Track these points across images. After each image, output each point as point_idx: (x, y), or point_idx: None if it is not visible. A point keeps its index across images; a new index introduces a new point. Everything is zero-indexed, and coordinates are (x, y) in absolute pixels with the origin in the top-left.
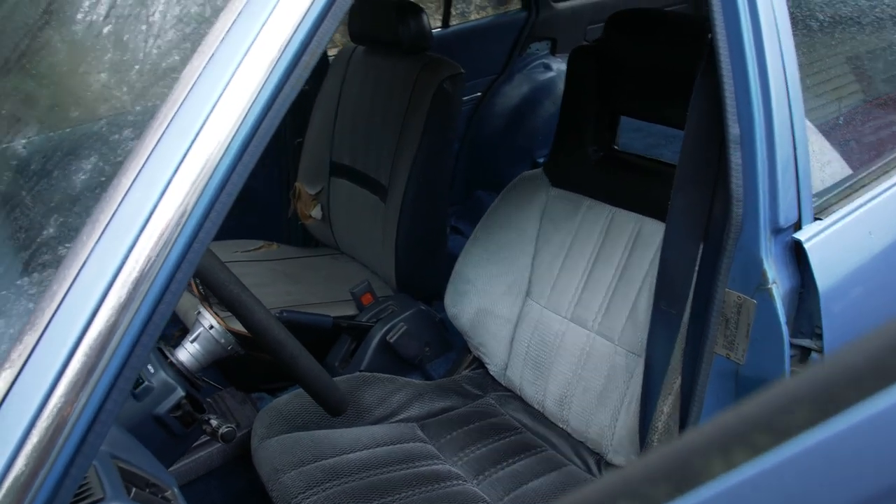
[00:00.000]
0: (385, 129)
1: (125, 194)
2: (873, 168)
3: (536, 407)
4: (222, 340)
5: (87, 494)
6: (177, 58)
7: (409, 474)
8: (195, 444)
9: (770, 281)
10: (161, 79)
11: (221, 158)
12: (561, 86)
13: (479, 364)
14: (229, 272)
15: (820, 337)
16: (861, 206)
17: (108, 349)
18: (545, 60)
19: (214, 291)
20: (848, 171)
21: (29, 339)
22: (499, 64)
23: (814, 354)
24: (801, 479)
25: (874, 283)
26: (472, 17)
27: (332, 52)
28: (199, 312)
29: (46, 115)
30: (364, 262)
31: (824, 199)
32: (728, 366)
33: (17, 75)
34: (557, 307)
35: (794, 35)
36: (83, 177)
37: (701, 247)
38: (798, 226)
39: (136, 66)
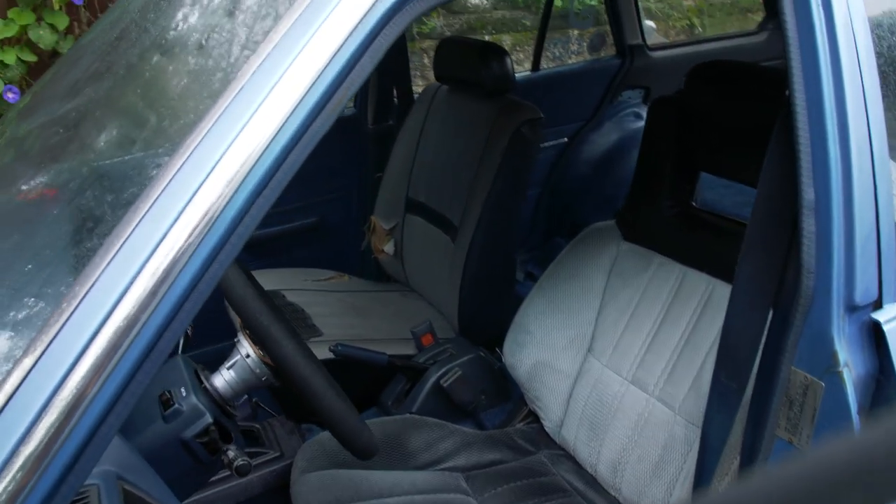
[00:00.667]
0: (461, 169)
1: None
2: None
3: (589, 470)
4: (257, 370)
5: None
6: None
7: None
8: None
9: (841, 364)
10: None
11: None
12: None
13: (535, 418)
14: (262, 303)
15: None
16: None
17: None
18: (637, 109)
19: (244, 321)
20: None
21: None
22: (588, 110)
23: None
24: None
25: None
26: (570, 62)
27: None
28: (237, 340)
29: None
30: (432, 301)
31: None
32: (791, 452)
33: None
34: (618, 367)
35: (884, 95)
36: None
37: (769, 318)
38: (878, 304)
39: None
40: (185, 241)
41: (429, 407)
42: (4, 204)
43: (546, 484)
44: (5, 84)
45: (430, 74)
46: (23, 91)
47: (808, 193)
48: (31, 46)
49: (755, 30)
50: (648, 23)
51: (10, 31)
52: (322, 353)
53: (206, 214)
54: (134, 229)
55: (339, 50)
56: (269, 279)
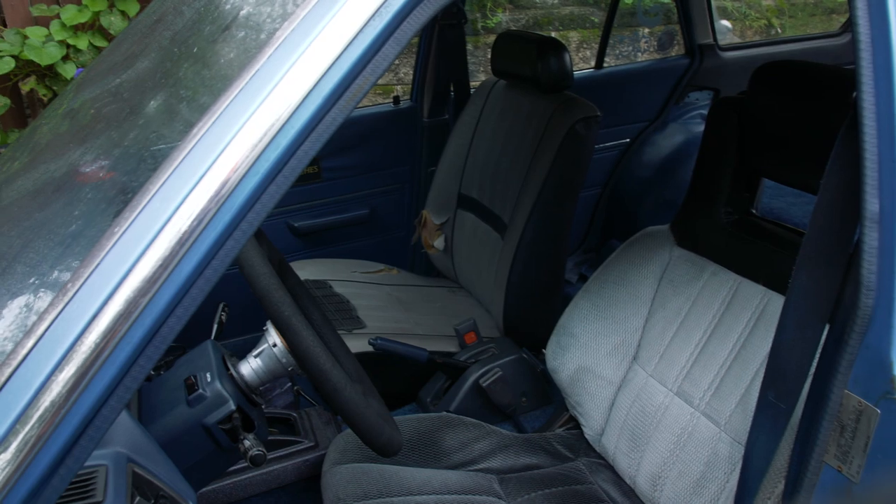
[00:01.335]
0: (514, 166)
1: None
2: None
3: (627, 481)
4: (283, 360)
5: (89, 493)
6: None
7: None
8: (275, 456)
9: None
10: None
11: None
12: None
13: (575, 424)
14: (283, 294)
15: None
16: None
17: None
18: (704, 111)
19: (266, 311)
20: None
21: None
22: (652, 111)
23: None
24: None
25: None
26: (638, 60)
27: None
28: (265, 328)
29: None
30: (479, 299)
31: None
32: (839, 481)
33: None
34: (664, 377)
35: None
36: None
37: (823, 336)
38: None
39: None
40: (193, 225)
41: (467, 406)
42: (52, 171)
43: (582, 492)
44: (77, 68)
45: None
46: None
47: (871, 204)
48: (103, 32)
49: (837, 31)
50: (724, 22)
51: (84, 17)
52: (362, 345)
53: (214, 198)
54: (138, 214)
55: (357, 35)
56: (317, 269)
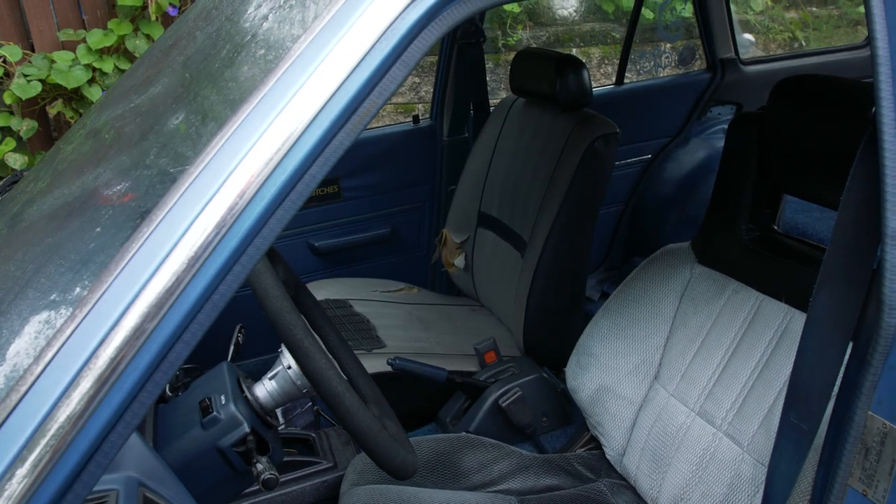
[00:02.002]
0: (533, 184)
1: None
2: None
3: (649, 503)
4: (298, 382)
5: None
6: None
7: None
8: (293, 477)
9: None
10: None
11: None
12: None
13: (597, 444)
14: (297, 317)
15: None
16: None
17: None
18: (726, 126)
19: (278, 334)
20: None
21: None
22: (674, 127)
23: None
24: None
25: None
26: (661, 76)
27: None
28: (280, 350)
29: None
30: (500, 317)
31: None
32: None
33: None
34: (685, 397)
35: None
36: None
37: (846, 356)
38: None
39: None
40: (200, 250)
41: (487, 426)
42: (67, 193)
43: None
44: (103, 90)
45: None
46: None
47: (892, 222)
48: (128, 55)
49: (861, 43)
50: (747, 36)
51: (109, 41)
52: (382, 365)
53: (221, 223)
54: (145, 240)
55: (364, 58)
56: (337, 288)
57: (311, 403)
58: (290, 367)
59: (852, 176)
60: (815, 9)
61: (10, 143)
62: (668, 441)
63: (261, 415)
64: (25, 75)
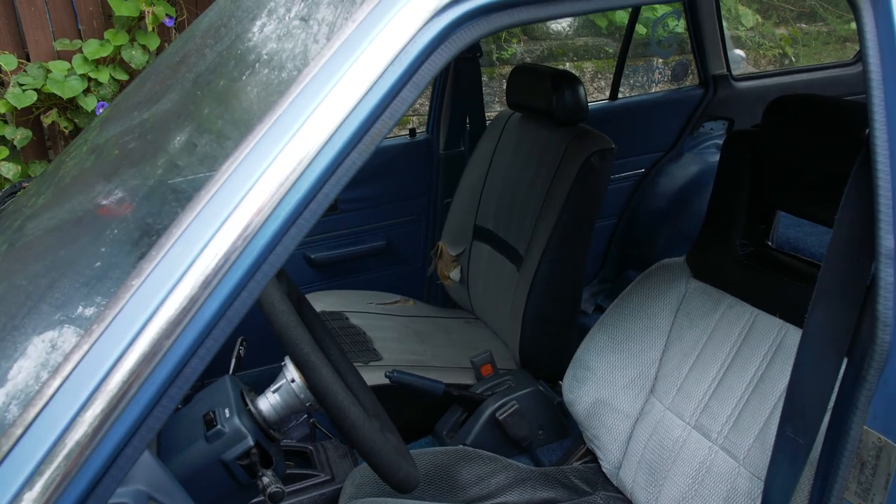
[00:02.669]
0: (529, 198)
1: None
2: None
3: None
4: (301, 396)
5: None
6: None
7: None
8: (291, 490)
9: None
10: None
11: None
12: None
13: (593, 457)
14: (302, 331)
15: None
16: None
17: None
18: (718, 141)
19: (285, 348)
20: None
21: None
22: (667, 142)
23: None
24: None
25: None
26: (654, 91)
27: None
28: (284, 364)
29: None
30: (496, 330)
31: None
32: None
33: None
34: (681, 411)
35: None
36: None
37: (841, 370)
38: None
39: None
40: (216, 268)
41: (483, 439)
42: (77, 209)
43: None
44: (98, 101)
45: None
46: None
47: (886, 241)
48: (124, 66)
49: (851, 60)
50: (738, 52)
51: (106, 52)
52: (379, 377)
53: (237, 241)
54: (163, 257)
55: (377, 80)
56: (333, 301)
57: (306, 416)
58: (293, 381)
59: (846, 195)
60: (804, 25)
61: (4, 151)
62: (665, 454)
63: (264, 428)
64: (20, 84)
